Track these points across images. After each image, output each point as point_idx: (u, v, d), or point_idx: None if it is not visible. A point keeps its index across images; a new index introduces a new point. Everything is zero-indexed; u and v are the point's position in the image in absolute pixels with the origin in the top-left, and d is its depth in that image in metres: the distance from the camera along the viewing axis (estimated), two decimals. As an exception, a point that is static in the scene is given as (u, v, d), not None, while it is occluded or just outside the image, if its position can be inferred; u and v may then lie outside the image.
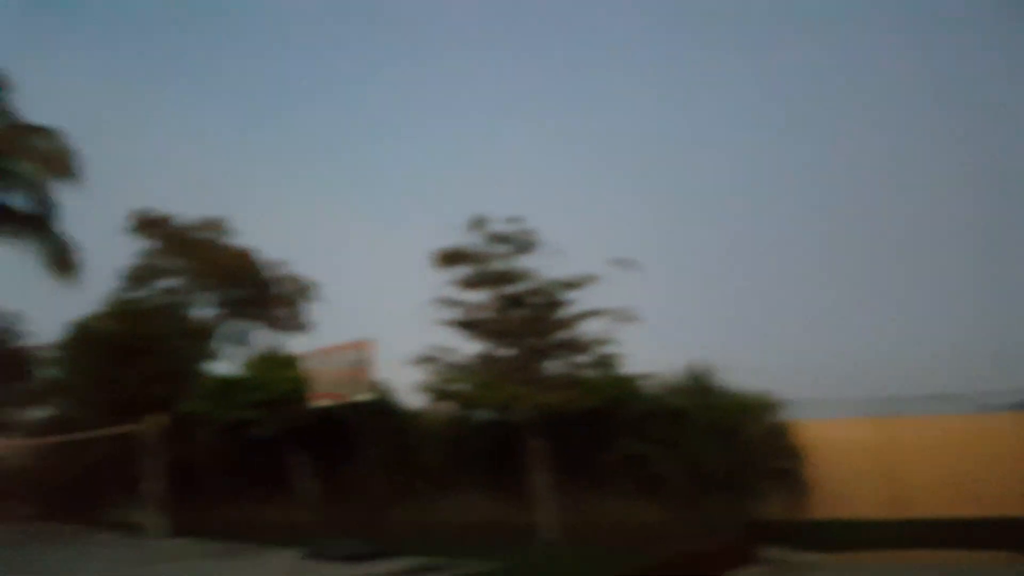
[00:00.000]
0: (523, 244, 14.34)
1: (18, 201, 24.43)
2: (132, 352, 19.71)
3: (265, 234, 52.14)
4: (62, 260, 24.56)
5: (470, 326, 14.55)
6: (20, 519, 20.63)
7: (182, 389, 18.37)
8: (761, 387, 14.17)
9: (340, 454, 16.06)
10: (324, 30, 48.64)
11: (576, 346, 14.30)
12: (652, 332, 14.73)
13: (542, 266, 14.28)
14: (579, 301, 14.17)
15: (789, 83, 37.50)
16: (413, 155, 50.97)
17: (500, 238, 14.35)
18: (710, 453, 13.48)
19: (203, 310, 32.76)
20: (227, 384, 16.27)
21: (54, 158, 22.94)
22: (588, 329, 14.13)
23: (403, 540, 12.76)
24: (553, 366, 14.37)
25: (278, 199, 47.09)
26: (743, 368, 14.56)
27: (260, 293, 32.79)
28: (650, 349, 15.26)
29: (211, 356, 25.04)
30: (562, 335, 14.30)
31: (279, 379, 15.66)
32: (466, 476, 15.93)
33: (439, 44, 47.00)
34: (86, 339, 21.43)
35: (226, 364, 29.54)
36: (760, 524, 12.69)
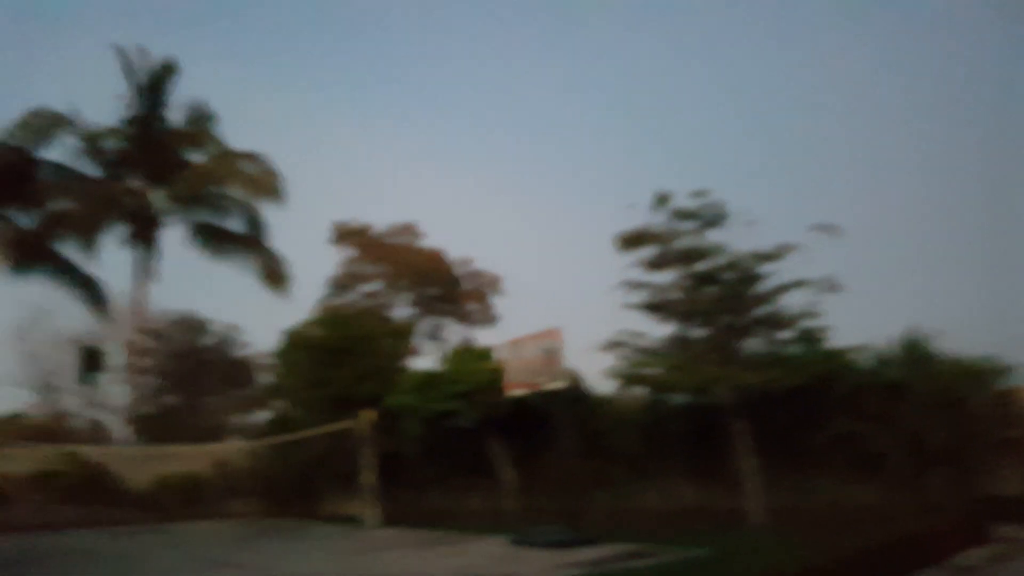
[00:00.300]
0: (711, 219, 13.60)
1: (233, 223, 27.00)
2: (341, 354, 20.96)
3: (452, 234, 54.48)
4: (274, 274, 26.81)
5: (659, 308, 14.03)
6: (249, 514, 22.47)
7: (388, 385, 19.31)
8: (983, 352, 12.62)
9: (537, 442, 16.15)
10: (492, 28, 49.65)
11: (777, 322, 13.37)
12: (861, 301, 13.57)
13: (734, 240, 13.50)
14: (778, 273, 13.24)
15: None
16: (590, 142, 50.83)
17: (685, 214, 13.71)
18: (932, 427, 12.16)
19: (401, 310, 34.65)
20: (429, 378, 16.89)
21: (261, 181, 25.02)
22: (789, 303, 13.16)
23: (604, 527, 12.56)
24: (752, 344, 13.56)
25: (462, 198, 48.77)
26: (960, 334, 13.09)
27: (451, 290, 34.18)
28: (859, 320, 14.09)
29: (411, 353, 26.23)
30: (761, 311, 13.46)
31: (476, 371, 16.05)
32: (664, 462, 15.48)
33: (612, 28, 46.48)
34: (299, 345, 23.12)
35: (425, 360, 31.05)
36: (990, 500, 11.31)
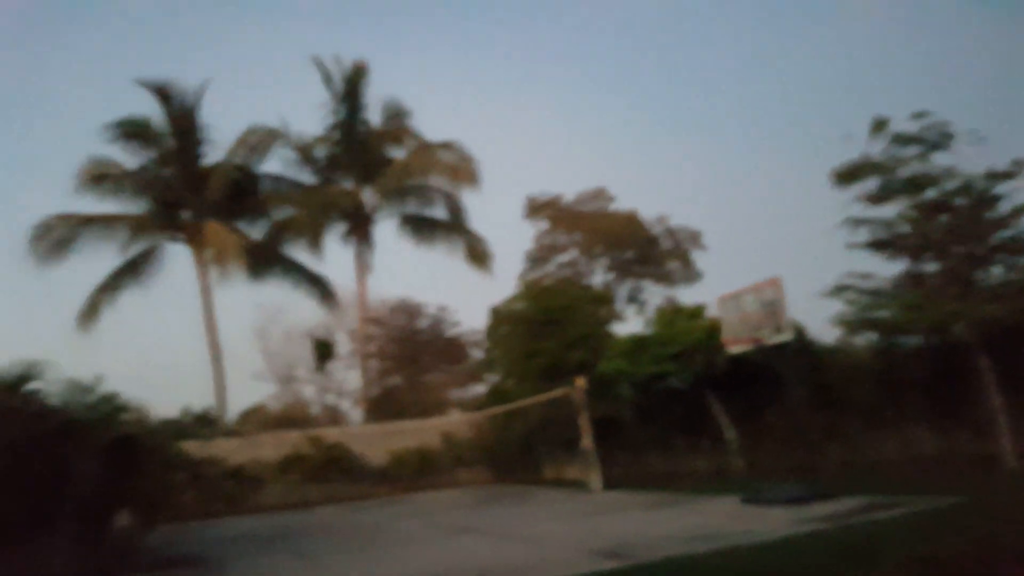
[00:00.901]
0: (936, 141, 12.35)
1: (436, 211, 28.29)
2: (547, 325, 21.39)
3: (646, 193, 53.76)
4: (477, 254, 27.79)
5: (886, 244, 12.99)
6: (477, 482, 23.51)
7: (595, 352, 19.44)
8: None
9: (759, 398, 15.61)
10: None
11: (1019, 246, 12.00)
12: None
13: (963, 162, 12.19)
14: (1017, 193, 11.83)
15: None
16: (791, 77, 48.03)
17: (907, 139, 12.53)
18: None
19: (599, 276, 34.70)
20: (638, 341, 16.77)
21: (459, 168, 25.97)
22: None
23: (838, 481, 11.92)
24: (993, 274, 12.33)
25: (656, 155, 47.86)
26: None
27: (649, 251, 33.71)
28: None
29: (615, 318, 26.20)
30: (1000, 236, 12.12)
31: (688, 330, 15.74)
32: (900, 409, 14.39)
33: None
34: (506, 319, 23.86)
35: (628, 324, 30.94)
36: None
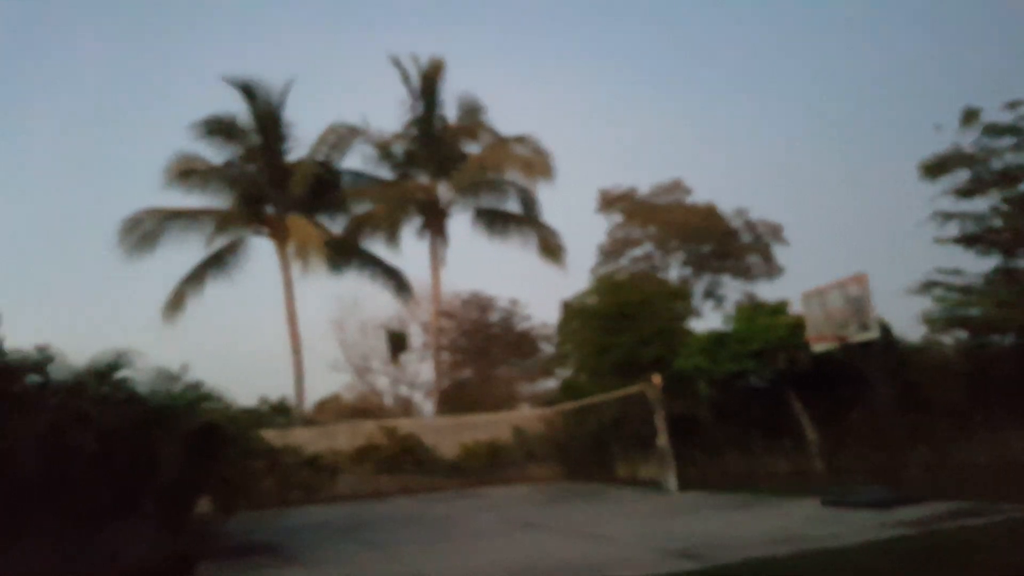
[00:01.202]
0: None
1: (511, 205, 28.31)
2: (621, 319, 21.13)
3: (724, 186, 52.76)
4: (550, 248, 27.68)
5: (977, 239, 12.38)
6: (548, 479, 23.38)
7: (671, 348, 19.09)
8: None
9: (842, 398, 15.11)
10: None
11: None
12: None
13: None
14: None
15: None
16: (876, 70, 46.34)
17: (1000, 130, 11.88)
18: None
19: (674, 271, 34.16)
20: (717, 338, 16.44)
21: (534, 162, 25.90)
22: None
23: (924, 485, 11.46)
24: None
25: (734, 148, 46.85)
26: None
27: (727, 245, 32.96)
28: None
29: (691, 313, 25.72)
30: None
31: (770, 327, 15.38)
32: (991, 411, 13.71)
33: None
34: (578, 313, 23.68)
35: (706, 320, 30.38)
36: None
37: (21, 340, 10.08)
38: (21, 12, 50.76)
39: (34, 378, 10.02)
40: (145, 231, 25.04)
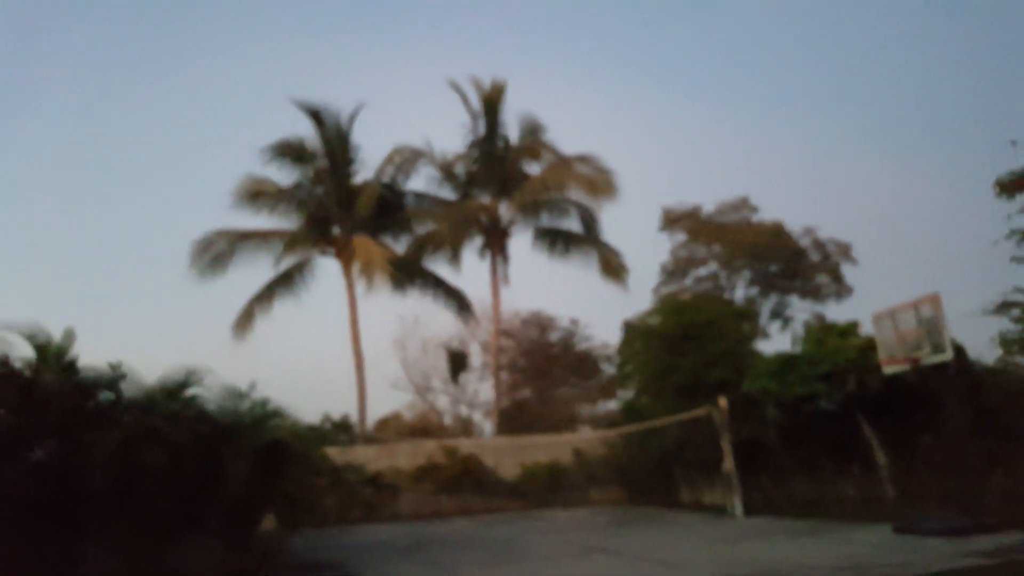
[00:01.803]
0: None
1: (572, 224, 28.30)
2: (685, 340, 20.75)
3: (792, 204, 51.78)
4: (611, 267, 27.51)
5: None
6: (609, 502, 23.06)
7: (738, 370, 18.69)
8: None
9: (915, 421, 14.57)
10: None
11: None
12: None
13: None
14: None
15: None
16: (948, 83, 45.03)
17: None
18: None
19: (740, 290, 33.55)
20: (785, 360, 16.05)
21: (596, 181, 25.87)
22: None
23: (1002, 512, 10.96)
24: None
25: (803, 165, 45.98)
26: None
27: (795, 264, 32.25)
28: None
29: (758, 334, 25.18)
30: None
31: (839, 348, 14.97)
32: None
33: None
34: (641, 334, 23.36)
35: (772, 341, 29.69)
36: None
37: (95, 358, 10.45)
38: (98, 38, 53.28)
39: (107, 395, 10.34)
40: (217, 252, 25.85)
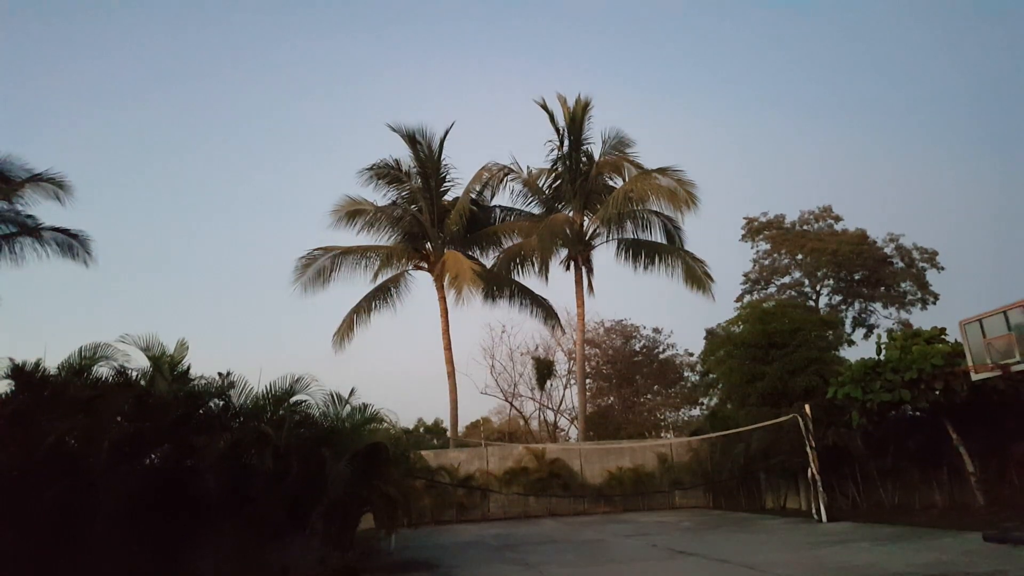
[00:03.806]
0: None
1: (655, 234, 28.70)
2: (769, 348, 21.01)
3: (877, 212, 50.48)
4: (694, 276, 27.80)
5: None
6: (693, 507, 23.27)
7: (822, 377, 18.84)
8: None
9: (1005, 429, 14.56)
10: None
11: None
12: None
13: None
14: None
15: None
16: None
17: None
18: None
19: (825, 298, 33.23)
20: (871, 367, 16.06)
21: (678, 192, 26.27)
22: None
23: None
24: None
25: (887, 174, 44.96)
26: None
27: (879, 271, 31.80)
28: None
29: (842, 342, 25.01)
30: None
31: (925, 355, 14.93)
32: None
33: None
34: (724, 342, 23.63)
35: (858, 347, 29.33)
36: None
37: (207, 367, 11.39)
38: (190, 78, 56.60)
39: (217, 402, 11.17)
40: (320, 267, 27.54)
